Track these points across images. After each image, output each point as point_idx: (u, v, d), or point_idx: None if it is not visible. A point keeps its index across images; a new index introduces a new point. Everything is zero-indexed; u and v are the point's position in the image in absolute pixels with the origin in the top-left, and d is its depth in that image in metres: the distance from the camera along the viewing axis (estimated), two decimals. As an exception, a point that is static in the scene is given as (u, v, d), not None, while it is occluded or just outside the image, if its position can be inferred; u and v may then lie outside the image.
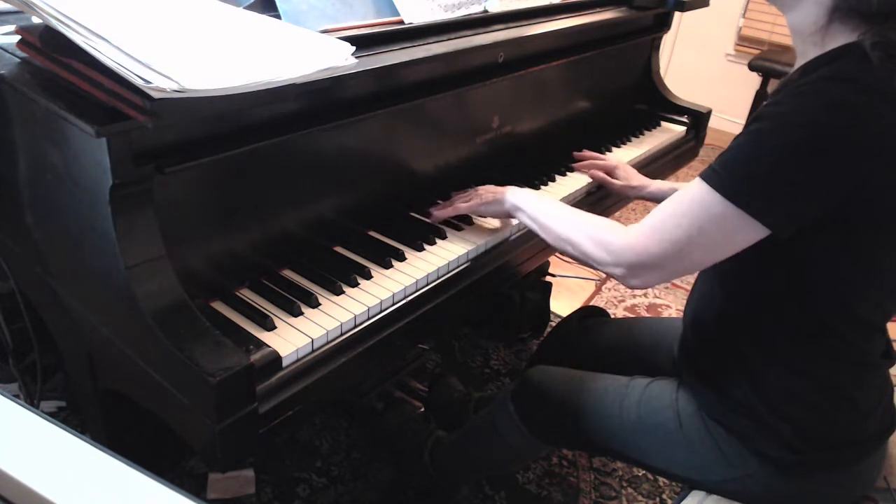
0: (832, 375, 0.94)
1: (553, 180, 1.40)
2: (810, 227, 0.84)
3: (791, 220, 0.83)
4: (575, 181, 1.41)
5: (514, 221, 1.23)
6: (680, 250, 0.88)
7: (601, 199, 1.42)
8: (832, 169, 0.80)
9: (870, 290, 0.90)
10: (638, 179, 1.38)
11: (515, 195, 1.13)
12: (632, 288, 0.98)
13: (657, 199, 1.35)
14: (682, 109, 1.81)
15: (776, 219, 0.83)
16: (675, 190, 1.33)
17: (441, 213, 1.18)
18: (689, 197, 0.87)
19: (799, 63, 0.90)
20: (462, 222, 1.20)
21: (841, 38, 0.83)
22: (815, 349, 0.93)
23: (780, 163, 0.81)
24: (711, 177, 0.85)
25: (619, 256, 0.93)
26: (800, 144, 0.80)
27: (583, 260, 1.00)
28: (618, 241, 0.93)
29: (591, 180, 1.40)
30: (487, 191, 1.18)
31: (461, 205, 1.18)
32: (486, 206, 1.16)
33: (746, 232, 0.84)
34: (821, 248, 0.86)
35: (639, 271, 0.92)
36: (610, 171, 1.40)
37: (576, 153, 1.49)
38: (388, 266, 1.05)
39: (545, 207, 1.08)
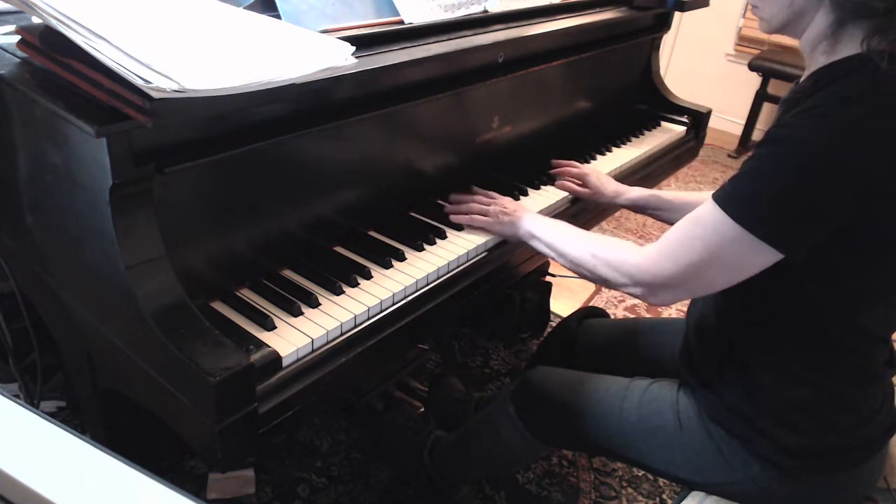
0: (834, 384, 0.94)
1: (552, 182, 1.40)
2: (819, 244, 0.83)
3: (804, 243, 0.83)
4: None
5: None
6: (695, 272, 0.88)
7: (586, 208, 1.39)
8: (844, 193, 0.80)
9: (875, 304, 0.90)
10: (612, 186, 1.34)
11: (531, 223, 1.13)
12: (655, 305, 0.98)
13: (638, 207, 1.32)
14: (682, 109, 1.81)
15: (789, 244, 0.82)
16: (656, 198, 1.29)
17: (456, 218, 1.19)
18: (702, 219, 0.87)
19: (809, 70, 0.89)
20: (462, 222, 1.20)
21: (851, 42, 0.83)
22: (817, 359, 0.93)
23: (793, 189, 0.80)
24: (724, 200, 0.84)
25: (636, 278, 0.94)
26: (812, 170, 0.79)
27: (601, 282, 1.01)
28: (632, 262, 0.94)
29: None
30: (504, 209, 1.17)
31: (478, 218, 1.18)
32: (501, 227, 1.16)
33: (761, 256, 0.84)
34: (827, 264, 0.86)
35: (657, 291, 0.93)
36: (581, 179, 1.37)
37: (554, 160, 1.43)
38: (388, 266, 1.05)
39: (559, 233, 1.09)
